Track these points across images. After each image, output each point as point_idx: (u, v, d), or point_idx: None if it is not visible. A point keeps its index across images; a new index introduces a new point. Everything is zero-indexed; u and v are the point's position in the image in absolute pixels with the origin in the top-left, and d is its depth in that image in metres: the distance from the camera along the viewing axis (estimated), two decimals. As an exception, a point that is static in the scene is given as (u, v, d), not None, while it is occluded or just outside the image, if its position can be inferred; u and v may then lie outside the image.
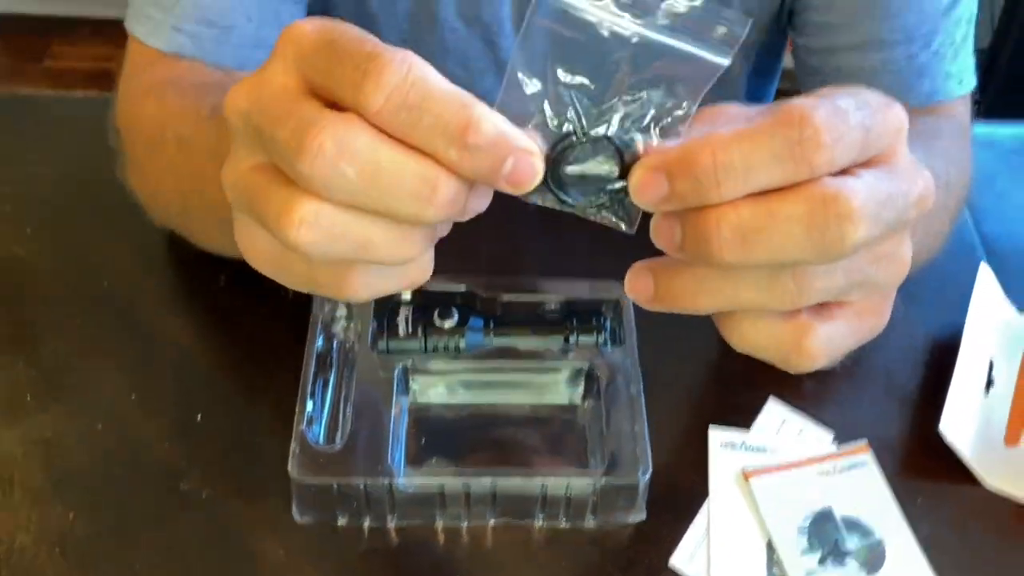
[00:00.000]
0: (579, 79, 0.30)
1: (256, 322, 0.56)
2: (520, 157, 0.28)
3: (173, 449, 0.50)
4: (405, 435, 0.50)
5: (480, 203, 0.31)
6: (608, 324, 0.52)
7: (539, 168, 0.29)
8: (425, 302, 0.52)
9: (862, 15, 0.58)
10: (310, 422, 0.47)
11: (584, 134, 0.31)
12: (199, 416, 0.52)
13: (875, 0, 0.57)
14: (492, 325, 0.52)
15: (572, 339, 0.52)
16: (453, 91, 0.28)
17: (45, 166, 0.65)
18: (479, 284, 0.53)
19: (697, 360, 0.57)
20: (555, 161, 0.31)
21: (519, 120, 0.30)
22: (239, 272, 0.57)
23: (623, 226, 0.33)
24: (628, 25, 0.29)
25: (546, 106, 0.31)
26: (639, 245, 0.61)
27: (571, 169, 0.31)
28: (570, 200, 0.32)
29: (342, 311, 0.52)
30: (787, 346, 0.33)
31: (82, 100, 0.73)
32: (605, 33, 0.29)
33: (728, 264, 0.30)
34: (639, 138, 0.31)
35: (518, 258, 0.61)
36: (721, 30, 0.30)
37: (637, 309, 0.52)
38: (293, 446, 0.46)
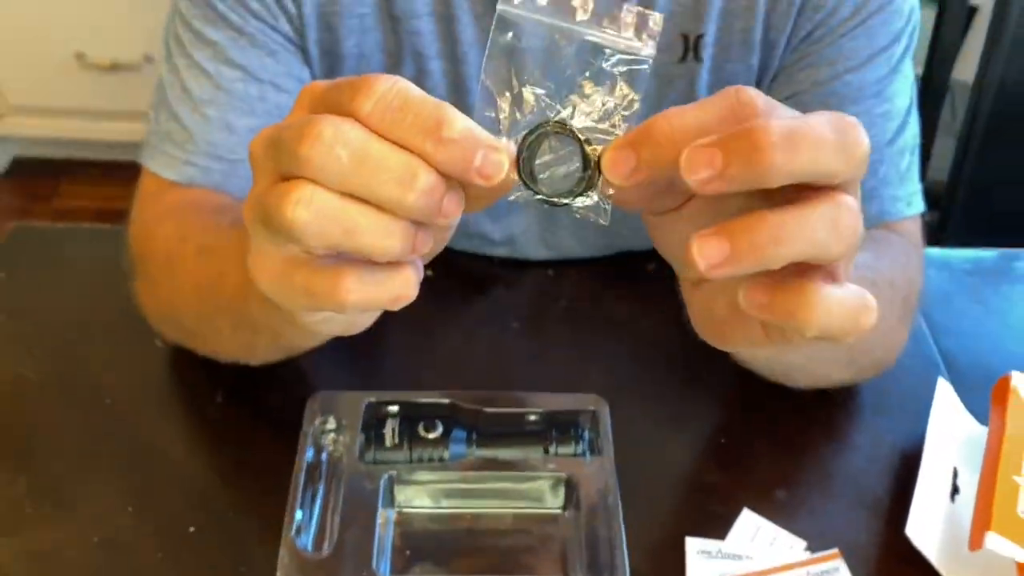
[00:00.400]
0: (539, 82, 0.35)
1: (249, 436, 0.59)
2: (488, 152, 0.33)
3: (166, 560, 0.52)
4: (391, 543, 0.51)
5: (454, 205, 0.34)
6: (586, 435, 0.55)
7: (505, 163, 0.33)
8: (410, 414, 0.55)
9: None
10: (299, 530, 0.49)
11: (548, 125, 0.35)
12: (191, 528, 0.53)
13: None
14: (475, 436, 0.55)
15: (552, 449, 0.54)
16: (431, 98, 0.33)
17: (54, 293, 0.69)
18: (463, 397, 0.56)
19: (673, 472, 0.59)
20: (526, 155, 0.35)
21: (492, 126, 0.34)
22: (234, 389, 0.61)
23: (599, 217, 0.36)
24: (571, 29, 0.34)
25: (514, 109, 0.35)
26: (616, 356, 0.65)
27: (540, 160, 0.35)
28: (543, 191, 0.35)
29: (331, 424, 0.55)
30: (858, 308, 0.35)
31: (89, 231, 0.78)
32: (554, 38, 0.34)
33: (776, 167, 0.31)
34: (597, 128, 0.35)
35: (501, 373, 0.64)
36: (648, 27, 0.35)
37: (614, 420, 0.55)
38: (282, 553, 0.48)
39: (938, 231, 1.09)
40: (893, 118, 0.64)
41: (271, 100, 0.63)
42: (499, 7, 0.35)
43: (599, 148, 0.34)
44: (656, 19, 0.35)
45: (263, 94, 0.62)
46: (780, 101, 0.55)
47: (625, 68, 0.35)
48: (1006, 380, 0.59)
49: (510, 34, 0.35)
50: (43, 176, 1.99)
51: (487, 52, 0.35)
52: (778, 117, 0.33)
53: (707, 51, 0.63)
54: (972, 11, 1.39)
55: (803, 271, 0.34)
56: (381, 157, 0.32)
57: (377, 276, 0.35)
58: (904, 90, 0.65)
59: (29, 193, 1.98)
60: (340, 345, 0.65)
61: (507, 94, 0.35)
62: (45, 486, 0.55)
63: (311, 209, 0.32)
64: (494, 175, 0.33)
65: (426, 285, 0.37)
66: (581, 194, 0.35)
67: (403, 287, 0.35)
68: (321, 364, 0.62)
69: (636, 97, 0.35)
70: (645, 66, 0.35)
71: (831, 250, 0.33)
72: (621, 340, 0.67)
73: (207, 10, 0.62)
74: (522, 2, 0.34)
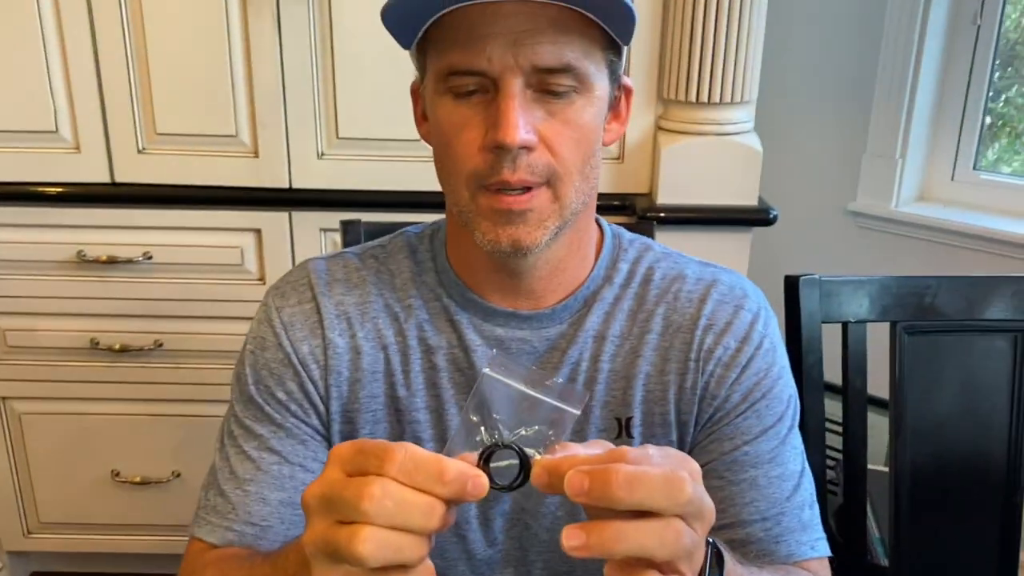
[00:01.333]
0: (500, 416, 0.54)
1: None
2: (474, 480, 0.50)
3: None
4: None
5: (453, 517, 0.51)
6: None
7: (486, 484, 0.50)
8: None
9: (726, 505, 0.79)
10: None
11: (502, 445, 0.53)
12: None
13: (735, 493, 0.79)
14: None
15: None
16: (431, 455, 0.51)
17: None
18: None
19: None
20: (486, 459, 0.53)
21: (471, 438, 0.53)
22: None
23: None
24: (526, 390, 0.54)
25: (483, 430, 0.54)
26: None
27: (494, 464, 0.53)
28: (494, 483, 0.52)
29: None
30: None
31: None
32: (515, 393, 0.53)
33: (618, 500, 0.48)
34: (532, 451, 0.53)
35: None
36: (576, 397, 0.54)
37: None
38: None
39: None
40: (788, 479, 0.80)
41: (299, 478, 0.80)
42: (485, 371, 0.55)
43: (530, 459, 0.54)
44: (582, 394, 0.55)
45: (293, 474, 0.80)
46: (702, 467, 0.75)
47: (558, 418, 0.54)
48: None
49: (487, 387, 0.54)
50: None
51: (472, 393, 0.55)
52: (638, 464, 0.51)
53: (636, 430, 0.81)
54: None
55: (648, 563, 0.51)
56: (412, 502, 0.50)
57: (415, 573, 0.51)
58: (795, 457, 0.82)
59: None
60: None
61: (479, 420, 0.54)
62: None
63: (372, 543, 0.49)
64: (480, 493, 0.51)
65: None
66: (516, 488, 0.54)
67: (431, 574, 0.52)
68: None
69: (561, 435, 0.54)
70: (570, 418, 0.54)
71: (656, 554, 0.50)
72: None
73: (257, 411, 0.81)
74: (501, 371, 0.55)
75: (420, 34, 0.73)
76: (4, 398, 1.87)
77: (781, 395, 0.82)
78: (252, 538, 0.77)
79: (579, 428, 0.82)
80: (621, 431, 0.81)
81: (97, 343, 1.81)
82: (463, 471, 0.50)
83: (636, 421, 0.81)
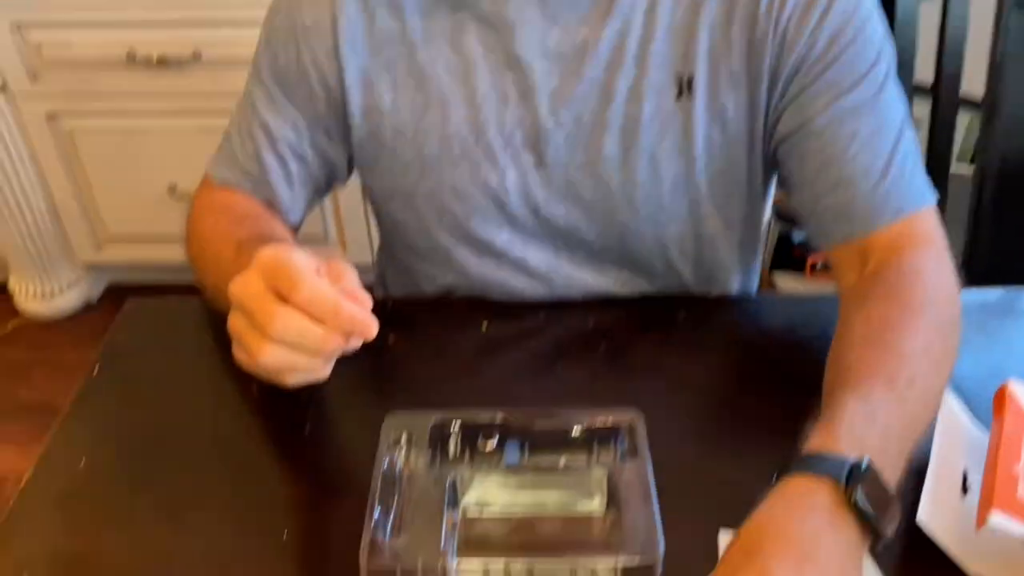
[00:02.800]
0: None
1: (334, 457, 0.68)
2: (362, 328, 0.57)
3: (262, 559, 0.61)
4: (456, 532, 0.59)
5: (356, 343, 0.58)
6: (624, 442, 0.62)
7: (373, 326, 0.57)
8: (470, 430, 0.63)
9: (829, 165, 0.73)
10: (378, 524, 0.57)
11: None
12: (285, 533, 0.62)
13: (836, 153, 0.73)
14: (527, 446, 0.63)
15: (594, 455, 0.62)
16: (331, 291, 0.56)
17: (168, 356, 0.81)
18: (515, 415, 0.64)
19: (705, 472, 0.66)
20: None
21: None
22: (318, 421, 0.70)
23: None
24: None
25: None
26: (650, 384, 0.73)
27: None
28: None
29: (404, 440, 0.63)
30: None
31: (194, 303, 0.88)
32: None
33: None
34: None
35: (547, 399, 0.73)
36: None
37: (650, 431, 0.63)
38: (364, 539, 0.56)
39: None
40: (890, 130, 0.73)
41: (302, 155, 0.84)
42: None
43: None
44: None
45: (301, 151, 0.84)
46: (792, 131, 0.66)
47: None
48: (1004, 388, 0.66)
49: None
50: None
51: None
52: None
53: (699, 90, 0.74)
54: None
55: None
56: (310, 329, 0.56)
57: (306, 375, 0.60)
58: (894, 105, 0.74)
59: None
60: (409, 376, 0.75)
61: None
62: (164, 503, 0.65)
63: (272, 357, 0.57)
64: (367, 335, 0.58)
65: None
66: None
67: (321, 376, 0.60)
68: (391, 393, 0.73)
69: None
70: None
71: None
72: (654, 373, 0.76)
73: (268, 88, 0.83)
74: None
75: None
76: (51, 114, 1.84)
77: (872, 37, 0.73)
78: (251, 185, 0.83)
79: (634, 89, 0.75)
80: (681, 92, 0.74)
81: (134, 56, 1.74)
82: (355, 313, 0.56)
83: (699, 79, 0.74)
